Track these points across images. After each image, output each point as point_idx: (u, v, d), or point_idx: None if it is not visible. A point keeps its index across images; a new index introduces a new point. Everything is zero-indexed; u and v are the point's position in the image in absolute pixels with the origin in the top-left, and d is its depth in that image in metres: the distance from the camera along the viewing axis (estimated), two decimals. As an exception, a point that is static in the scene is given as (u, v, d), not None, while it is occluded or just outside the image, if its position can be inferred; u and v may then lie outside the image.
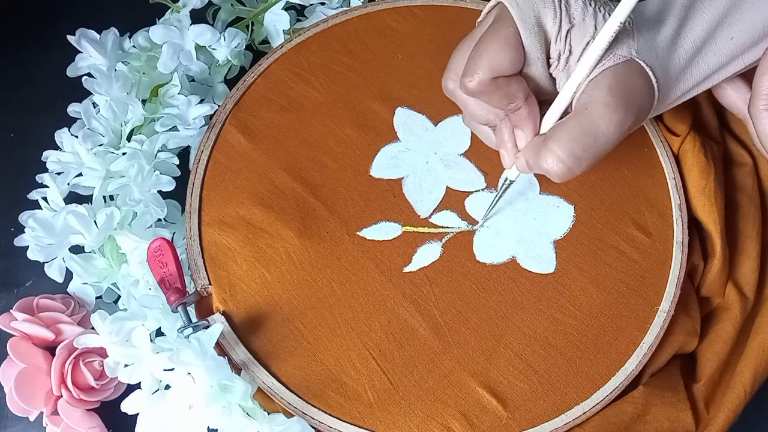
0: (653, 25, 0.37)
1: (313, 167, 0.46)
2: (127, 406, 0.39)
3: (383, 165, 0.46)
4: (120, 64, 0.48)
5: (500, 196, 0.43)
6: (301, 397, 0.40)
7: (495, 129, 0.41)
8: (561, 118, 0.38)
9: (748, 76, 0.42)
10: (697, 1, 0.38)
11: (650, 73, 0.37)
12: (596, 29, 0.37)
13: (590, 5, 0.37)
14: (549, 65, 0.38)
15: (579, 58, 0.37)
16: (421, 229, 0.44)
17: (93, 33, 0.47)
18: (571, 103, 0.38)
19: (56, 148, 0.47)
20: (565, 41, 0.37)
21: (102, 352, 0.42)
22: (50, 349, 0.43)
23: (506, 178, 0.42)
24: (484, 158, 0.46)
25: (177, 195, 0.46)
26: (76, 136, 0.46)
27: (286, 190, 0.45)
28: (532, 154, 0.38)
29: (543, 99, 0.39)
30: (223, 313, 0.41)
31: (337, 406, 0.40)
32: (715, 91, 0.43)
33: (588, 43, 0.37)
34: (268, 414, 0.39)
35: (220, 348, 0.41)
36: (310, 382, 0.40)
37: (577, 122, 0.36)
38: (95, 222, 0.43)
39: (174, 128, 0.47)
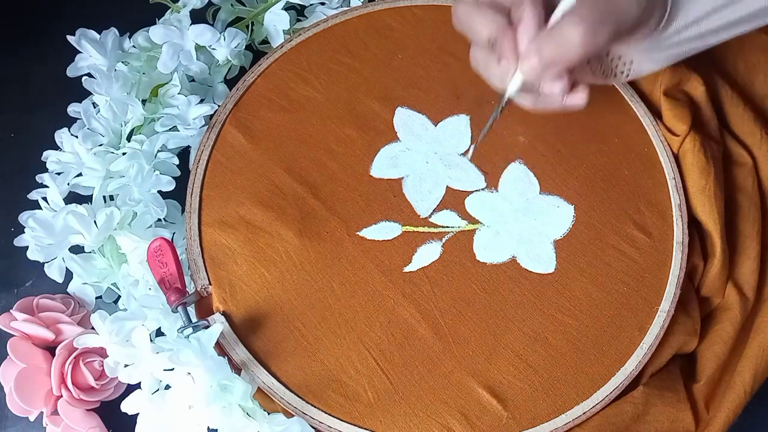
0: None
1: (313, 167, 0.46)
2: (127, 406, 0.39)
3: (383, 165, 0.46)
4: (120, 64, 0.48)
5: (497, 116, 0.40)
6: (301, 397, 0.40)
7: (496, 44, 0.39)
8: None
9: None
10: None
11: None
12: None
13: None
14: None
15: None
16: (421, 229, 0.44)
17: (93, 33, 0.47)
18: None
19: (56, 148, 0.47)
20: None
21: (102, 352, 0.42)
22: (50, 349, 0.43)
23: (504, 99, 0.40)
24: (484, 158, 0.46)
25: (177, 195, 0.46)
26: (76, 136, 0.46)
27: (286, 190, 0.45)
28: (546, 38, 0.37)
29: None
30: (223, 313, 0.41)
31: (337, 406, 0.40)
32: None
33: None
34: (268, 414, 0.39)
35: (220, 348, 0.41)
36: (310, 382, 0.40)
37: None
38: (95, 222, 0.43)
39: (174, 128, 0.47)
